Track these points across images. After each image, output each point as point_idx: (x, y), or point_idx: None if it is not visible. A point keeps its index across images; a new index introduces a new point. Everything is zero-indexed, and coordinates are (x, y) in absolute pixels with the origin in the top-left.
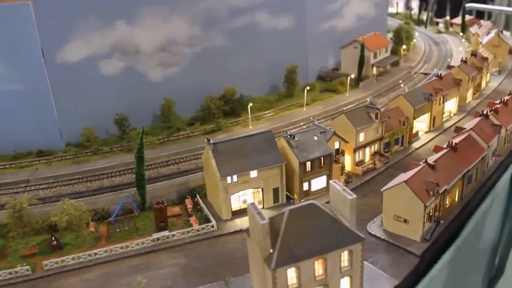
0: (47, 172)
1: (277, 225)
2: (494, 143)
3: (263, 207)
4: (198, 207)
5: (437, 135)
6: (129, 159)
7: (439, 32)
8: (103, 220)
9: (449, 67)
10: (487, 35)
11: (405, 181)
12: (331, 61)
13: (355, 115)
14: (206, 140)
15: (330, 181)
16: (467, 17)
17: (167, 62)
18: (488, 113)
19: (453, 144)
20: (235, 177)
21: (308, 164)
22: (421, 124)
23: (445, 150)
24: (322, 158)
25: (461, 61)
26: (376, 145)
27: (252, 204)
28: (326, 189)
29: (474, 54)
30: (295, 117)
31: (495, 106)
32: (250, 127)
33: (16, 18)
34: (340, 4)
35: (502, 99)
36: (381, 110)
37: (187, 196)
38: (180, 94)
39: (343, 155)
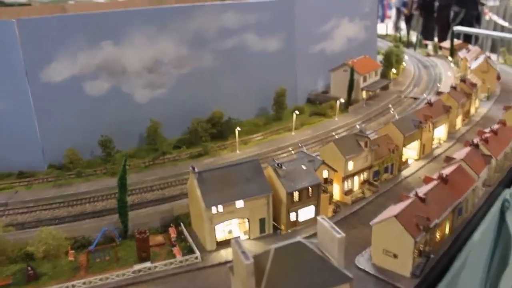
0: (27, 196)
1: (263, 263)
2: (484, 174)
3: (249, 238)
4: (182, 236)
5: (427, 163)
6: (113, 183)
7: (428, 55)
8: (83, 249)
9: (439, 93)
10: (475, 60)
11: (395, 216)
12: (320, 83)
13: (344, 143)
14: (191, 168)
15: (318, 217)
16: (456, 41)
17: (154, 83)
18: (478, 143)
19: (444, 175)
20: (220, 207)
21: (296, 194)
22: (410, 152)
23: (435, 182)
24: (310, 188)
25: (451, 87)
26: (365, 173)
27: (236, 240)
28: (314, 219)
29: (463, 80)
30: (284, 141)
31: (485, 136)
32: (238, 151)
33: (0, 35)
34: (331, 26)
35: (492, 128)
36: (371, 137)
37: (171, 225)
38: (167, 115)
39: (332, 184)
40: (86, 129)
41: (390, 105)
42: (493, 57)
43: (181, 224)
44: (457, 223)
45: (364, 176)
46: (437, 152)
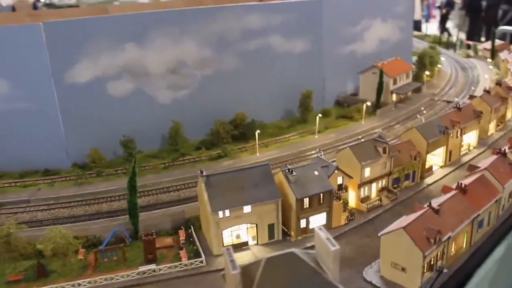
0: (49, 193)
1: (253, 274)
2: (510, 184)
3: (257, 243)
4: (191, 239)
5: (453, 170)
6: None
7: (468, 56)
8: (94, 248)
9: (471, 97)
10: None
11: (403, 227)
12: (350, 86)
13: (362, 149)
14: (199, 171)
15: (315, 228)
16: (498, 41)
17: (177, 84)
18: (506, 151)
19: (463, 185)
20: (227, 212)
21: (306, 200)
22: (436, 158)
23: (453, 192)
24: (321, 194)
25: (484, 90)
26: (384, 180)
27: (227, 250)
28: (327, 225)
29: (499, 83)
30: (306, 145)
31: None
32: (258, 154)
33: (27, 38)
34: (361, 28)
35: None
36: (392, 143)
37: (181, 227)
38: (190, 117)
39: (346, 190)
40: (109, 129)
41: (422, 108)
42: None
43: (191, 227)
44: (477, 236)
45: (382, 183)
46: (465, 159)
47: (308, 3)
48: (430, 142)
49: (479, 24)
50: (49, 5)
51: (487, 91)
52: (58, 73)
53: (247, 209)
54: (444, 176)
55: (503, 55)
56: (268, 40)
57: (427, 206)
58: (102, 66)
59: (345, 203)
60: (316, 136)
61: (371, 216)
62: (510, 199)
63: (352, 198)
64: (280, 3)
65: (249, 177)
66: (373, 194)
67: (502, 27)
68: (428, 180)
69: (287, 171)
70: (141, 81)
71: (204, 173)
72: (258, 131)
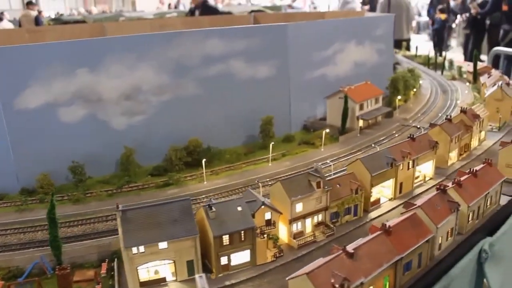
0: None
1: None
2: (449, 222)
3: (176, 280)
4: (112, 273)
5: (402, 203)
6: (73, 210)
7: (454, 78)
8: (15, 279)
9: (432, 125)
10: (492, 86)
11: (306, 273)
12: (320, 110)
13: (294, 183)
14: (115, 206)
15: (196, 276)
16: (481, 63)
17: (132, 110)
18: (446, 188)
19: (387, 226)
20: (142, 248)
21: (226, 237)
22: (386, 190)
23: (376, 233)
24: (242, 231)
25: (446, 119)
26: (320, 215)
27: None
28: (250, 263)
29: (463, 110)
30: (257, 173)
31: (458, 179)
32: (205, 182)
33: None
34: (332, 51)
35: (472, 170)
36: (336, 175)
37: (106, 260)
38: (145, 143)
39: (275, 226)
40: (61, 155)
41: (372, 144)
42: None
43: (116, 259)
44: (404, 279)
45: (319, 218)
46: (418, 191)
47: (272, 27)
48: (374, 175)
49: (481, 44)
50: (56, 20)
51: (448, 119)
52: (7, 98)
53: (163, 245)
54: (392, 209)
55: (483, 78)
56: (230, 65)
57: (342, 249)
58: (54, 91)
59: (275, 239)
60: (270, 164)
61: (301, 253)
62: (450, 238)
63: (284, 233)
64: (243, 28)
65: (168, 212)
66: (308, 229)
67: (497, 47)
68: (373, 214)
69: (207, 207)
70: (95, 107)
71: (121, 208)
72: (205, 159)
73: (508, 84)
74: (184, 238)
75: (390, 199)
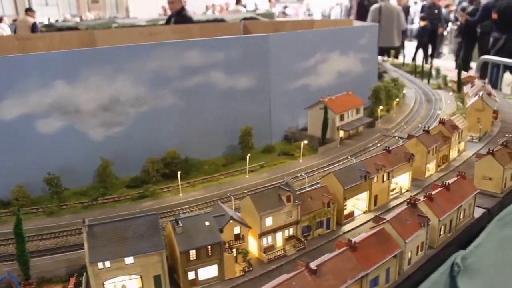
0: None
1: None
2: (418, 237)
3: None
4: None
5: (379, 215)
6: (47, 222)
7: (439, 87)
8: None
9: (409, 136)
10: (474, 96)
11: None
12: (302, 120)
13: (263, 197)
14: (81, 220)
15: None
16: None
17: (110, 122)
18: (416, 202)
19: (352, 242)
20: (107, 263)
21: (192, 252)
22: (361, 203)
23: (341, 249)
24: (209, 246)
25: (423, 130)
26: (291, 229)
27: None
28: (218, 278)
29: (442, 122)
30: (234, 185)
31: (430, 192)
32: (181, 195)
33: None
34: (314, 62)
35: (444, 183)
36: (308, 189)
37: (75, 274)
38: (123, 154)
39: (244, 241)
40: (37, 167)
41: (348, 156)
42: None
43: (84, 274)
44: None
45: (290, 231)
46: (394, 203)
47: (253, 38)
48: (347, 188)
49: (471, 52)
50: (49, 26)
51: (426, 131)
52: None
53: (129, 260)
54: (366, 222)
55: (466, 88)
56: (209, 76)
57: (305, 265)
58: (31, 103)
59: (245, 254)
60: (247, 176)
61: (271, 267)
62: (420, 252)
63: (254, 247)
64: (223, 38)
65: (135, 227)
66: (279, 243)
67: (485, 56)
68: (347, 227)
69: (174, 222)
70: (72, 118)
71: (87, 223)
72: (180, 171)
73: (489, 94)
74: (151, 253)
75: (364, 212)
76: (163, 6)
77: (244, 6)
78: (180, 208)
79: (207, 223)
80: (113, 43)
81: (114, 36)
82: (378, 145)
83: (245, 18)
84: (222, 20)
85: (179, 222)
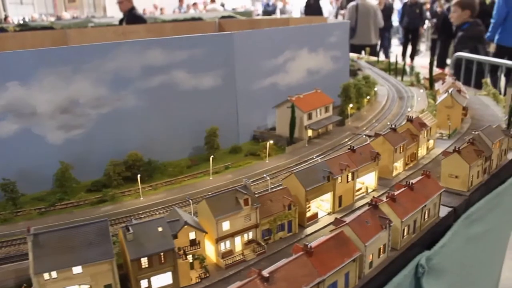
0: None
1: None
2: (380, 239)
3: None
4: None
5: (341, 217)
6: (1, 230)
7: (412, 85)
8: None
9: (376, 134)
10: (445, 93)
11: None
12: (271, 120)
13: (220, 201)
14: (26, 229)
15: None
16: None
17: (69, 124)
18: (377, 203)
19: (309, 247)
20: (54, 273)
21: (144, 260)
22: (326, 204)
23: (296, 255)
24: (162, 253)
25: (390, 128)
26: (251, 233)
27: None
28: (173, 285)
29: (410, 119)
30: (197, 187)
31: (392, 193)
32: (142, 198)
33: None
34: (283, 60)
35: (408, 182)
36: (261, 193)
37: (23, 285)
38: (85, 157)
39: (200, 246)
40: None
41: (314, 156)
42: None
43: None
44: None
45: (249, 235)
46: (360, 203)
47: (217, 36)
48: (308, 189)
49: (449, 49)
50: (22, 26)
51: (393, 129)
52: None
53: (77, 270)
54: (330, 223)
55: (437, 85)
56: (173, 76)
57: (257, 272)
58: None
59: (201, 260)
60: (211, 178)
61: (229, 273)
62: (382, 254)
63: (212, 253)
64: (186, 37)
65: (83, 235)
66: (238, 248)
67: (459, 53)
68: (310, 229)
69: (124, 228)
70: (29, 121)
71: (32, 231)
72: (139, 175)
73: (459, 91)
74: (100, 262)
75: (329, 213)
76: (144, 7)
77: (222, 5)
78: (141, 212)
79: (160, 229)
80: (85, 43)
81: (87, 35)
82: (348, 143)
83: (223, 17)
84: (200, 19)
85: (130, 228)
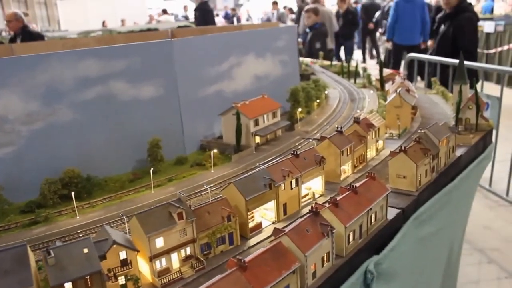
0: None
1: None
2: (322, 247)
3: None
4: None
5: (286, 225)
6: None
7: (364, 86)
8: None
9: (322, 138)
10: (394, 93)
11: None
12: (218, 128)
13: (152, 216)
14: None
15: None
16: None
17: None
18: (318, 210)
19: (242, 261)
20: None
21: (68, 285)
22: (270, 213)
23: (229, 270)
24: (88, 277)
25: (336, 130)
26: (189, 248)
27: None
28: None
29: (357, 121)
30: (138, 202)
31: (334, 198)
32: (78, 217)
33: None
34: (228, 66)
35: (352, 186)
36: (207, 202)
37: None
38: (17, 176)
39: (132, 266)
40: None
41: (258, 163)
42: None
43: None
44: None
45: (187, 251)
46: (306, 210)
47: (155, 44)
48: (249, 199)
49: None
50: None
51: (339, 131)
52: None
53: None
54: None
55: (387, 85)
56: (110, 86)
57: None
58: None
59: (135, 280)
60: (153, 191)
61: None
62: (326, 263)
63: (147, 272)
64: (122, 46)
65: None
66: (176, 264)
67: (412, 53)
68: (253, 240)
69: (45, 252)
70: None
71: None
72: (79, 191)
73: (408, 90)
74: None
75: (273, 222)
76: (104, 21)
77: (175, 16)
78: (78, 231)
79: (85, 250)
80: None
81: (34, 48)
82: (299, 147)
83: (179, 27)
84: (156, 30)
85: (51, 252)
